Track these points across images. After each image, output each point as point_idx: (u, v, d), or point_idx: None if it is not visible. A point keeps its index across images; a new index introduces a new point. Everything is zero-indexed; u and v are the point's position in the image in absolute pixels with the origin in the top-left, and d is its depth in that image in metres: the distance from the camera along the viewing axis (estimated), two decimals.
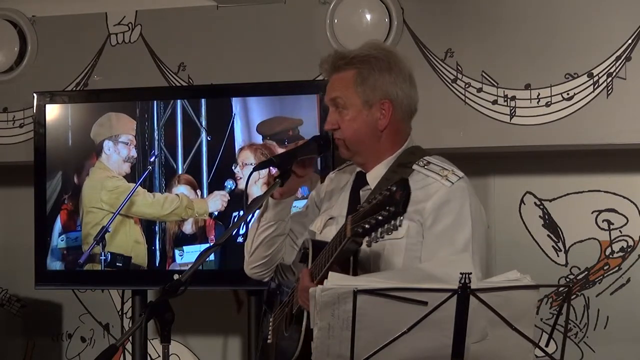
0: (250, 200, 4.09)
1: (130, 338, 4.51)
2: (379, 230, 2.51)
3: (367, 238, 2.56)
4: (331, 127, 3.00)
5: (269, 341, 3.13)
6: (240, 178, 4.37)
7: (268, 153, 4.29)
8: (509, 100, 4.31)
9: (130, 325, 4.87)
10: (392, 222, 2.50)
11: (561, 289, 4.48)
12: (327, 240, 2.89)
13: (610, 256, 4.53)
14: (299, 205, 3.48)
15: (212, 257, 4.27)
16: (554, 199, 4.61)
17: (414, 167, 2.95)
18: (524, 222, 4.64)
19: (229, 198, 4.40)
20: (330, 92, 3.01)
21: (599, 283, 4.55)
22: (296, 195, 3.17)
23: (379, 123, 2.99)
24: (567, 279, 4.54)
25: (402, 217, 2.49)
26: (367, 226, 2.53)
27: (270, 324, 3.15)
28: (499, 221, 4.58)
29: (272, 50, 4.57)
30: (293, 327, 2.92)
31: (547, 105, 4.28)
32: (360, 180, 3.05)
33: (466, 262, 2.52)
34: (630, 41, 4.19)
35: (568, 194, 4.59)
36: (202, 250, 3.94)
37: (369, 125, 2.98)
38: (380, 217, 2.50)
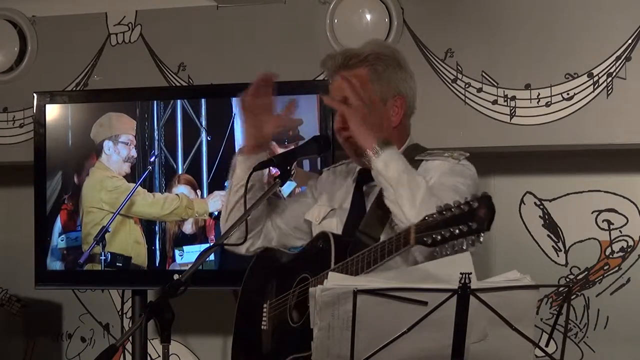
0: None
1: (130, 338, 4.51)
2: (453, 243, 2.46)
3: (435, 249, 2.50)
4: (343, 125, 2.98)
5: (263, 327, 3.11)
6: None
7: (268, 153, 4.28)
8: (509, 100, 4.31)
9: (130, 325, 4.87)
10: (471, 238, 2.44)
11: (561, 289, 4.48)
12: (329, 231, 2.92)
13: (610, 256, 4.53)
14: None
15: (212, 257, 4.26)
16: (554, 199, 4.60)
17: (417, 158, 2.97)
18: (524, 222, 4.63)
19: None
20: (341, 91, 2.98)
21: (599, 283, 4.55)
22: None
23: (393, 120, 3.01)
24: (567, 279, 4.54)
25: (483, 234, 2.43)
26: (438, 237, 2.48)
27: (265, 311, 3.13)
28: (499, 221, 4.51)
29: (272, 50, 4.57)
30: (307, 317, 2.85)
31: (547, 105, 4.27)
32: (364, 177, 3.05)
33: (466, 262, 2.52)
34: (630, 41, 4.19)
35: (568, 194, 4.59)
36: (202, 250, 3.94)
37: (383, 122, 2.99)
38: (457, 231, 2.44)
